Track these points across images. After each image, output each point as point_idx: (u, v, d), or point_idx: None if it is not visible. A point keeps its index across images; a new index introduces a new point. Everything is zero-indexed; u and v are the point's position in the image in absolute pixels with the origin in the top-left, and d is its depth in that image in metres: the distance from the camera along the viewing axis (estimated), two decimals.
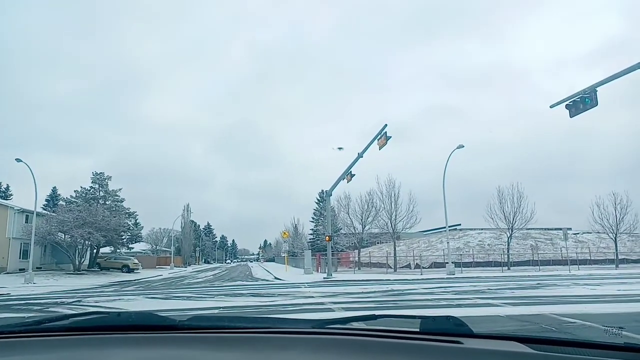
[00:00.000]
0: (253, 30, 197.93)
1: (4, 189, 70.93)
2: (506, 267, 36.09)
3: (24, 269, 33.96)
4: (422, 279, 25.53)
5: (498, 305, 12.03)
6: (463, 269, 34.39)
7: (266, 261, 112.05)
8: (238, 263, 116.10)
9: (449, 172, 32.80)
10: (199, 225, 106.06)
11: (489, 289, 17.54)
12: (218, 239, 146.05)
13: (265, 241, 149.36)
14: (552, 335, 1.19)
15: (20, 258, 38.93)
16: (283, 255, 49.05)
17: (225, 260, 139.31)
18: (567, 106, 16.14)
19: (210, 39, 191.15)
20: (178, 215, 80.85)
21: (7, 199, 60.72)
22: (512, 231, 37.43)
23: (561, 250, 38.81)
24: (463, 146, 31.55)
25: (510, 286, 19.00)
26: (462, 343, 1.12)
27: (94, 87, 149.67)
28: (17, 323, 1.43)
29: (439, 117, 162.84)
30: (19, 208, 40.45)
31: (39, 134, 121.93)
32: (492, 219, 37.91)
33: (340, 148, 32.35)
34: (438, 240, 46.73)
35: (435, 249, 43.57)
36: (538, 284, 20.22)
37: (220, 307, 13.58)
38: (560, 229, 41.03)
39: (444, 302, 13.46)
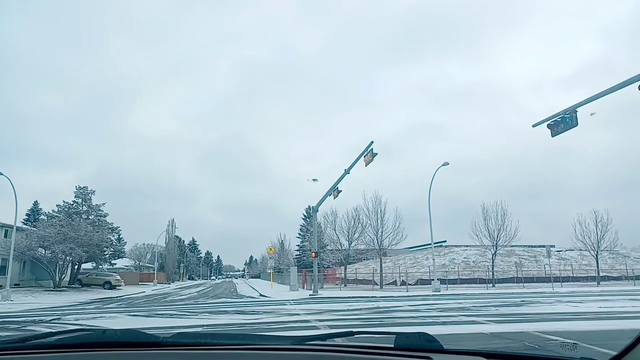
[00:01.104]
0: (240, 46, 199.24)
1: None
2: (491, 284, 36.28)
3: (1, 286, 33.02)
4: (408, 296, 25.52)
5: (482, 323, 12.09)
6: (448, 285, 34.49)
7: (252, 278, 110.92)
8: (223, 280, 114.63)
9: (434, 189, 33.12)
10: (183, 241, 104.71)
11: (473, 306, 17.62)
12: (203, 254, 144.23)
13: (251, 257, 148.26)
14: (515, 351, 1.28)
15: None
16: (269, 271, 48.64)
17: (210, 276, 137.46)
18: (548, 126, 16.53)
19: (198, 55, 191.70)
20: (162, 231, 79.80)
21: None
22: (496, 248, 37.75)
23: (544, 268, 39.20)
24: (448, 164, 31.94)
25: (495, 303, 19.10)
26: (431, 358, 1.20)
27: (78, 100, 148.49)
28: (2, 341, 1.45)
29: (424, 135, 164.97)
30: None
31: (20, 147, 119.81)
32: (477, 235, 38.27)
33: (314, 180, 33.79)
34: (424, 257, 46.87)
35: (421, 266, 43.64)
36: (522, 301, 20.37)
37: (203, 325, 13.38)
38: (544, 246, 41.56)
39: (430, 320, 13.47)
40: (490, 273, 37.95)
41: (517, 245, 42.72)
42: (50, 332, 1.62)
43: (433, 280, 31.16)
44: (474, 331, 10.65)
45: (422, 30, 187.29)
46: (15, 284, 35.49)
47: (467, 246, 47.50)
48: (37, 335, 1.54)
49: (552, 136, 16.46)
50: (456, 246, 51.19)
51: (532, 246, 48.45)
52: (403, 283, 36.61)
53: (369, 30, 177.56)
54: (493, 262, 38.21)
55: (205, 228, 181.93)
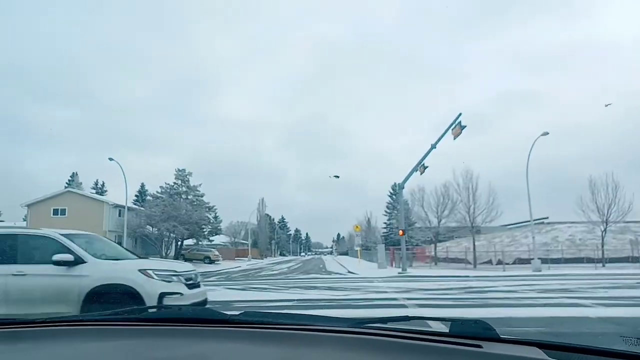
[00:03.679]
0: (318, 24, 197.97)
1: (100, 186, 77.95)
2: (600, 264, 33.15)
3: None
4: (504, 276, 24.13)
5: (588, 306, 10.97)
6: (550, 265, 32.04)
7: (339, 254, 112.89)
8: (312, 256, 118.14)
9: (532, 160, 30.57)
10: (273, 219, 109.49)
11: (578, 288, 16.11)
12: (292, 232, 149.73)
13: (339, 234, 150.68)
14: (573, 342, 1.01)
15: None
16: (356, 249, 48.99)
17: (300, 253, 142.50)
18: None
19: (277, 35, 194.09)
20: (253, 209, 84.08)
21: (102, 195, 66.72)
22: (606, 225, 34.30)
23: None
24: (548, 133, 29.29)
25: (604, 285, 17.29)
26: (483, 347, 1.15)
27: (167, 86, 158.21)
28: (98, 313, 1.73)
29: (516, 104, 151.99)
30: (113, 203, 44.22)
31: (126, 135, 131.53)
32: (584, 211, 35.00)
33: (336, 176, 33.98)
34: (522, 235, 44.03)
35: (519, 244, 41.08)
36: (638, 283, 18.24)
37: (294, 300, 13.78)
38: None
39: (527, 302, 12.54)
40: (600, 252, 34.62)
41: (632, 221, 38.45)
42: (137, 308, 1.99)
43: (533, 259, 29.15)
44: (576, 315, 9.70)
45: None
46: None
47: (572, 223, 43.67)
48: (127, 310, 1.81)
49: None
50: (559, 223, 47.33)
51: None
52: (499, 262, 34.77)
53: None
54: (603, 240, 34.80)
55: (293, 207, 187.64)
